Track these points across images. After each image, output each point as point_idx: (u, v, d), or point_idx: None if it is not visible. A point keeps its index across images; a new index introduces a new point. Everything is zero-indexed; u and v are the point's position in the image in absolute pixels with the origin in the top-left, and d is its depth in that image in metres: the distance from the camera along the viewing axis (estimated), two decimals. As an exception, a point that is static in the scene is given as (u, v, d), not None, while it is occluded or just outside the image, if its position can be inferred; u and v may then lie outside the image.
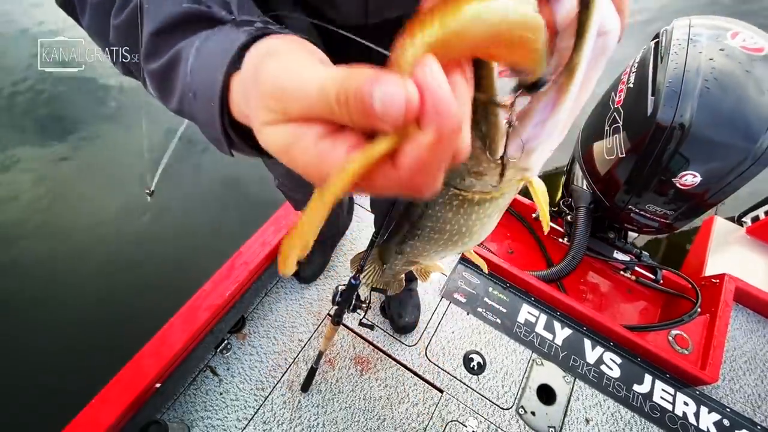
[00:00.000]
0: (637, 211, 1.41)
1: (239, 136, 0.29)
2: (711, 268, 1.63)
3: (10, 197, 2.22)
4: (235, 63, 0.26)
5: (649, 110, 1.24)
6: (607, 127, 1.45)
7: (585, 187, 1.60)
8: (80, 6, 0.35)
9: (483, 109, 0.28)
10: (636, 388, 1.33)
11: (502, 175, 0.30)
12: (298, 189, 1.01)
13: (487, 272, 1.50)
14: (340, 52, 0.52)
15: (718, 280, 1.48)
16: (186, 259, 2.05)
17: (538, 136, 0.27)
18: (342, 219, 1.44)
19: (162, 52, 0.30)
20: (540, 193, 0.35)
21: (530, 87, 0.25)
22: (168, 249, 2.08)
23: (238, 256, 1.33)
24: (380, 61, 0.60)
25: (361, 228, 1.64)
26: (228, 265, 1.30)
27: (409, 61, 0.19)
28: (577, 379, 1.33)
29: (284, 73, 0.22)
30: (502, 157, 0.29)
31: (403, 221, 0.47)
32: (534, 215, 1.80)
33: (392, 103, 0.18)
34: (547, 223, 0.39)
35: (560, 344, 1.40)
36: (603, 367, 1.36)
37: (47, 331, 1.78)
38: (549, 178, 2.28)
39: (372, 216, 1.35)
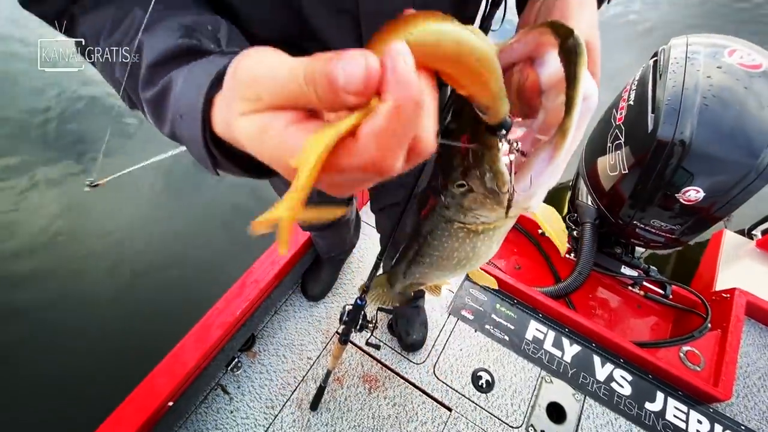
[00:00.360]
0: (642, 226, 1.42)
1: (223, 155, 0.31)
2: (721, 283, 1.62)
3: (28, 212, 2.30)
4: (218, 81, 0.28)
5: (650, 127, 1.26)
6: (609, 144, 1.48)
7: (590, 202, 1.62)
8: (90, 46, 0.38)
9: (486, 157, 0.31)
10: (648, 406, 1.31)
11: (506, 212, 0.33)
12: None
13: (496, 288, 1.51)
14: None
15: (728, 295, 1.46)
16: (198, 277, 2.09)
17: (537, 183, 0.30)
18: (349, 237, 1.47)
19: (156, 81, 0.33)
20: (545, 219, 0.38)
21: (492, 128, 0.29)
22: (181, 267, 2.12)
23: (249, 275, 1.36)
24: None
25: (369, 246, 1.67)
26: (239, 283, 1.34)
27: (380, 48, 0.21)
28: (587, 397, 1.32)
29: (257, 63, 0.24)
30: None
31: (409, 248, 0.50)
32: (540, 231, 1.81)
33: (353, 74, 0.19)
34: (561, 244, 0.40)
35: (569, 361, 1.39)
36: (613, 385, 1.35)
37: (62, 349, 1.82)
38: (555, 193, 2.29)
39: (378, 235, 1.38)
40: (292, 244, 1.46)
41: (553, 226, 0.38)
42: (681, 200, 1.26)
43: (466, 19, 0.59)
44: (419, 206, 0.45)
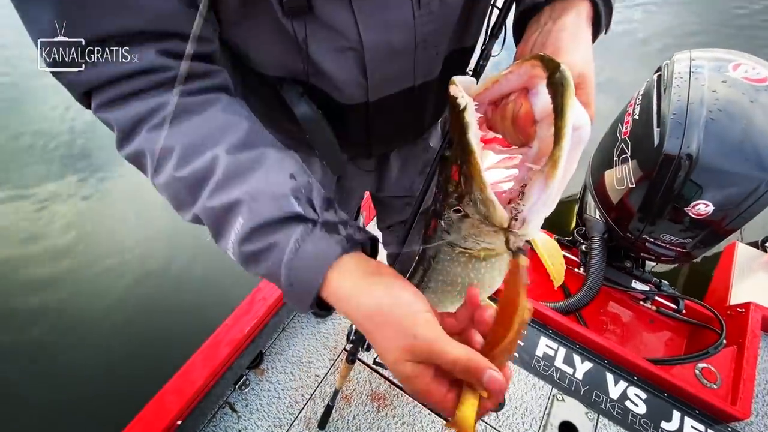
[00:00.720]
0: (652, 240, 1.40)
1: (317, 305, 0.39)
2: (736, 297, 1.58)
3: (38, 231, 2.34)
4: (330, 266, 0.37)
5: (656, 141, 1.26)
6: (615, 157, 1.48)
7: (598, 216, 1.61)
8: (153, 168, 0.41)
9: (475, 185, 0.32)
10: (664, 425, 1.27)
11: (505, 240, 0.34)
12: None
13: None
14: (343, 124, 0.58)
15: (743, 309, 1.43)
16: (207, 294, 2.10)
17: (532, 212, 0.31)
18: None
19: (257, 240, 0.38)
20: (544, 250, 0.38)
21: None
22: (190, 285, 2.14)
23: (258, 292, 1.37)
24: (378, 130, 0.65)
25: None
26: (248, 300, 1.34)
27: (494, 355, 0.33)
28: (600, 416, 1.29)
29: (430, 340, 0.33)
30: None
31: (416, 271, 0.50)
32: (548, 245, 1.80)
33: (491, 383, 0.31)
34: (557, 278, 0.41)
35: (581, 378, 1.36)
36: (627, 403, 1.31)
37: (71, 369, 1.84)
38: (562, 206, 2.28)
39: (385, 252, 1.38)
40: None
41: (553, 259, 0.39)
42: (690, 214, 1.25)
43: (466, 49, 0.61)
44: (425, 227, 0.46)
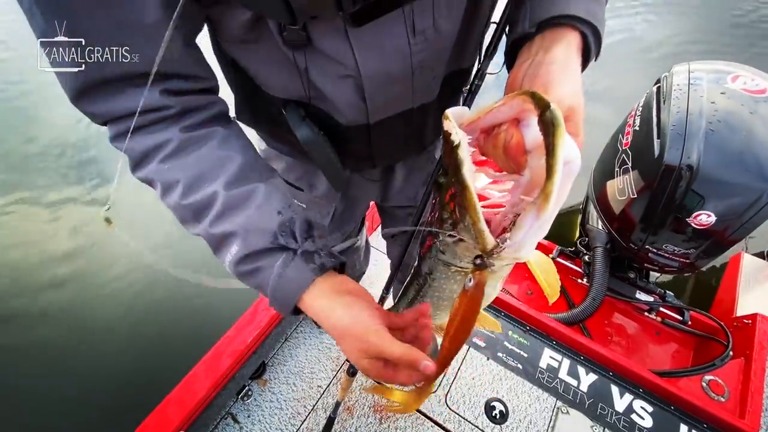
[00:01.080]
0: (655, 250, 1.40)
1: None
2: (742, 308, 1.57)
3: (47, 235, 2.37)
4: (304, 290, 0.47)
5: (657, 152, 1.27)
6: (617, 168, 1.48)
7: (600, 226, 1.61)
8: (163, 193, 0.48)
9: (467, 217, 0.33)
10: (671, 439, 1.25)
11: (499, 260, 0.35)
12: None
13: (500, 331, 1.47)
14: (346, 141, 0.60)
15: (750, 321, 1.42)
16: (210, 305, 2.11)
17: (525, 238, 0.32)
18: (359, 264, 1.49)
19: (248, 263, 0.47)
20: (539, 268, 0.39)
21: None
22: (193, 295, 2.15)
23: (261, 302, 1.38)
24: (379, 147, 0.68)
25: (379, 271, 1.68)
26: (251, 310, 1.35)
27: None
28: (606, 429, 1.27)
29: (379, 345, 0.43)
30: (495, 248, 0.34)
31: (410, 286, 0.51)
32: (551, 256, 1.80)
33: (426, 369, 0.42)
34: (551, 295, 0.42)
35: (586, 391, 1.35)
36: (633, 416, 1.29)
37: (73, 378, 1.84)
38: (565, 216, 2.28)
39: (388, 260, 1.39)
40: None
41: (547, 278, 0.39)
42: (693, 224, 1.25)
43: (464, 70, 0.63)
44: (420, 244, 0.47)
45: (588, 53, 0.44)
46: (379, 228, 1.73)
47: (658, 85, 1.42)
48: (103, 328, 2.01)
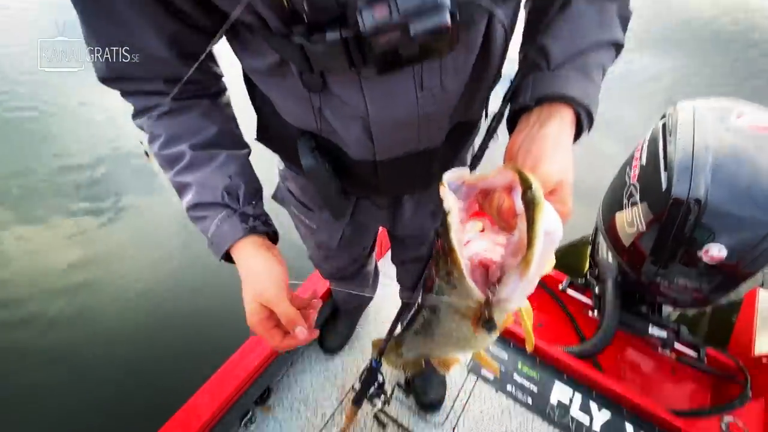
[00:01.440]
0: (666, 284, 1.38)
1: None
2: (761, 346, 1.52)
3: (51, 257, 2.41)
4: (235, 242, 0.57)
5: (664, 185, 1.28)
6: (625, 200, 1.49)
7: (610, 259, 1.60)
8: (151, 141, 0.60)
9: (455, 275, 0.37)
10: (691, 485, 1.19)
11: (480, 322, 0.38)
12: (325, 261, 1.09)
13: (499, 376, 1.44)
14: (353, 174, 0.64)
15: (769, 360, 1.37)
16: (215, 327, 2.10)
17: (509, 298, 0.36)
18: (368, 289, 1.49)
19: (197, 211, 0.59)
20: (526, 314, 0.41)
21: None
22: (198, 318, 2.15)
23: (268, 326, 1.38)
24: (386, 181, 0.72)
25: (386, 296, 1.67)
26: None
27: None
28: (621, 471, 1.21)
29: (273, 295, 0.54)
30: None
31: (415, 319, 0.54)
32: (561, 287, 1.78)
33: (298, 333, 0.55)
34: (530, 343, 0.43)
35: (598, 430, 1.30)
36: (650, 458, 1.24)
37: (75, 400, 1.82)
38: (574, 247, 2.27)
39: (397, 285, 1.39)
40: (310, 294, 1.47)
41: (528, 325, 0.42)
42: (704, 258, 1.24)
43: (470, 123, 0.67)
44: (424, 281, 0.49)
45: (580, 128, 0.48)
46: (389, 254, 1.74)
47: (664, 120, 1.45)
48: (100, 352, 2.00)
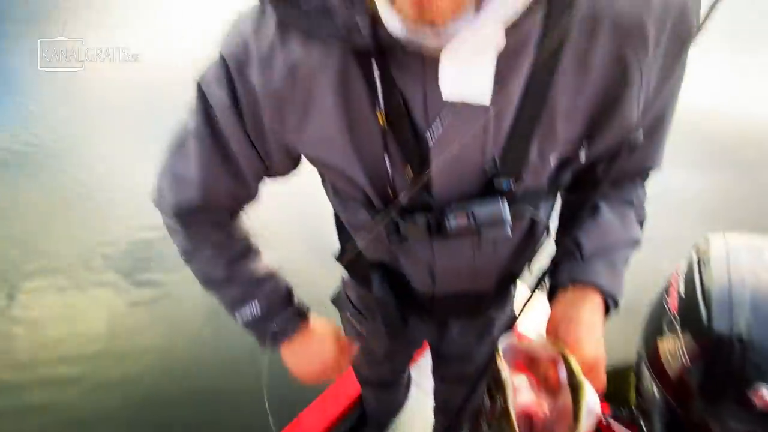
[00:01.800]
0: (719, 426, 1.28)
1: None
2: None
3: (71, 327, 2.51)
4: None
5: (705, 320, 1.28)
6: (665, 327, 1.47)
7: (655, 391, 1.51)
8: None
9: None
10: None
11: None
12: (368, 367, 1.14)
13: None
14: (411, 298, 0.78)
15: None
16: (236, 421, 2.06)
17: None
18: (399, 398, 1.48)
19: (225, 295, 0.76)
20: None
21: None
22: (218, 404, 2.13)
23: (296, 426, 1.38)
24: (440, 307, 0.88)
25: (415, 410, 1.62)
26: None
27: None
28: None
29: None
30: None
31: None
32: (604, 420, 1.66)
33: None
34: None
35: None
36: None
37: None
38: (618, 375, 2.13)
39: (427, 397, 1.38)
40: (343, 399, 1.48)
41: None
42: (755, 400, 1.17)
43: (515, 274, 0.82)
44: (473, 419, 0.57)
45: (608, 310, 0.61)
46: (422, 360, 1.74)
47: (696, 251, 1.50)
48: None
